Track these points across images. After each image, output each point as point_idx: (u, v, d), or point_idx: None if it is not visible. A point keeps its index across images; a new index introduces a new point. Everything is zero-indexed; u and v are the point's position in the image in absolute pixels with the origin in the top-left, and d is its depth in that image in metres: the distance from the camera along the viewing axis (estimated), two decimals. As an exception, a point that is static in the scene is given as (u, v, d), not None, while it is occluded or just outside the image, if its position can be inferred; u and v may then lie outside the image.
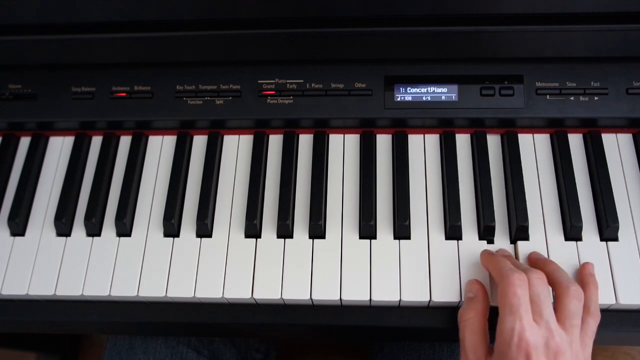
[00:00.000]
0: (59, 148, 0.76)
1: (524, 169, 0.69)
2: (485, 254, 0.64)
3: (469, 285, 0.62)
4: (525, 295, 0.56)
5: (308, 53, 0.71)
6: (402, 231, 0.66)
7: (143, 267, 0.67)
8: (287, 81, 0.72)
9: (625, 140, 0.72)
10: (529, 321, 0.54)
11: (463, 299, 0.63)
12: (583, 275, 0.62)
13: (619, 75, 0.70)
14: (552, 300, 0.58)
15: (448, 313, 0.64)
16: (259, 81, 0.72)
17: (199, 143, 0.75)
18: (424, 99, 0.71)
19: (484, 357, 0.57)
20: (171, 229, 0.69)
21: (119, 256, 0.68)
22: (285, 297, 0.64)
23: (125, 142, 0.76)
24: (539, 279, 0.57)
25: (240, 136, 0.75)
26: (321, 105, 0.72)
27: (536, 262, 0.63)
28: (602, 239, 0.66)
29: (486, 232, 0.66)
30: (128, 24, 0.69)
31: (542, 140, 0.72)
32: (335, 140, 0.74)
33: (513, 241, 0.67)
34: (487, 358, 0.57)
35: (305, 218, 0.68)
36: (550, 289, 0.59)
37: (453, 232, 0.66)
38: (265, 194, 0.71)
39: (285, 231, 0.68)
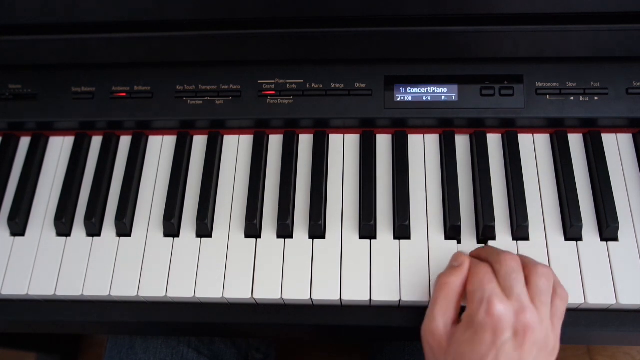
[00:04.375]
0: (59, 148, 0.76)
1: (524, 169, 0.69)
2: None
3: (456, 256, 0.59)
4: (493, 276, 0.55)
5: (308, 53, 0.71)
6: (402, 231, 0.66)
7: (143, 267, 0.67)
8: (287, 81, 0.72)
9: (625, 140, 0.72)
10: (499, 293, 0.53)
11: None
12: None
13: (619, 75, 0.69)
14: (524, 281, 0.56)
15: (448, 313, 0.64)
16: (259, 81, 0.72)
17: (199, 143, 0.75)
18: (423, 99, 0.71)
19: (450, 323, 0.56)
20: (171, 229, 0.69)
21: (119, 256, 0.68)
22: (285, 297, 0.64)
23: (125, 142, 0.76)
24: (512, 258, 0.56)
25: (240, 136, 0.75)
26: (321, 105, 0.71)
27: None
28: (602, 239, 0.66)
29: (486, 232, 0.66)
30: (128, 24, 0.69)
31: (542, 140, 0.72)
32: (335, 140, 0.74)
33: (513, 241, 0.66)
34: (454, 325, 0.56)
35: (305, 218, 0.68)
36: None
37: (453, 232, 0.66)
38: (265, 194, 0.71)
39: (285, 231, 0.68)
